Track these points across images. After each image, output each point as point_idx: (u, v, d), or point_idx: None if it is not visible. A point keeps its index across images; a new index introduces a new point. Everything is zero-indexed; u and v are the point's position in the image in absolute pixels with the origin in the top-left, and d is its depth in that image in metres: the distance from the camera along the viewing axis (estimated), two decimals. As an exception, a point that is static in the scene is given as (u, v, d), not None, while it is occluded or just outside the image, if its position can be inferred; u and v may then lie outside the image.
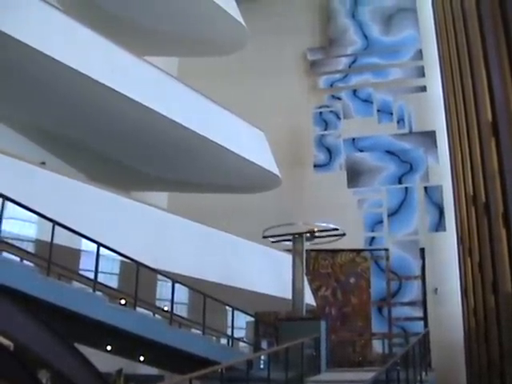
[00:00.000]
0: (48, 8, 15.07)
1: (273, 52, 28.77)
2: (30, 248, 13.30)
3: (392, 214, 24.77)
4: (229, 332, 16.58)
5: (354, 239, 22.52)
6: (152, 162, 20.98)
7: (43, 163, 14.64)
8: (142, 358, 14.53)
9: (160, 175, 21.89)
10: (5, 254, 11.35)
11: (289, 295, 16.73)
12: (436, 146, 24.84)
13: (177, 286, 14.06)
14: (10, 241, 11.89)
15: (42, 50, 13.96)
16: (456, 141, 21.35)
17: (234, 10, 22.16)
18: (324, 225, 17.75)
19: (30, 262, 12.28)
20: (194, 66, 27.51)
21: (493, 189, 13.66)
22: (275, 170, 21.66)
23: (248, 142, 21.01)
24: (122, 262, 15.03)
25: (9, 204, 10.75)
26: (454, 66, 20.43)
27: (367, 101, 27.24)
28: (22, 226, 12.81)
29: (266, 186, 22.79)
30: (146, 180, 22.22)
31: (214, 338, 17.70)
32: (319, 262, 25.21)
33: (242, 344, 18.97)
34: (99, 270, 12.12)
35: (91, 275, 12.16)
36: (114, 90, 15.74)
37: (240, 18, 22.25)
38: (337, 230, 17.82)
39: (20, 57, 14.21)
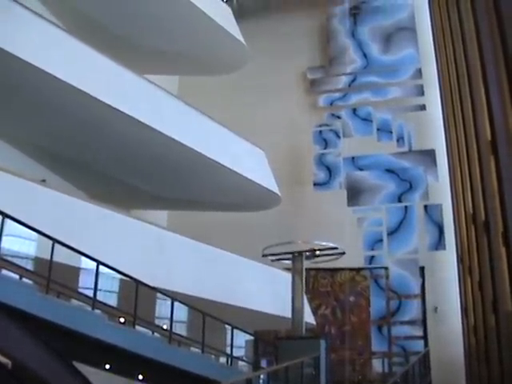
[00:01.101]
0: (48, 26, 15.20)
1: (273, 71, 28.88)
2: (30, 265, 13.28)
3: (392, 232, 24.74)
4: (228, 351, 16.50)
5: (354, 258, 22.44)
6: (152, 180, 20.99)
7: (43, 181, 14.65)
8: (140, 377, 14.43)
9: (159, 193, 21.88)
10: (4, 272, 11.33)
11: (288, 314, 16.66)
12: (436, 165, 24.85)
13: (176, 304, 14.02)
14: (9, 258, 11.88)
15: (42, 67, 14.04)
16: (455, 159, 21.39)
17: (234, 29, 22.32)
18: (324, 243, 17.71)
19: (29, 279, 12.25)
20: (194, 84, 27.64)
21: (492, 207, 13.65)
22: (275, 189, 21.68)
23: (248, 161, 21.04)
24: (121, 279, 15.00)
25: (8, 221, 10.74)
26: (453, 84, 20.51)
27: (367, 119, 27.28)
28: (21, 244, 12.79)
29: (265, 205, 22.79)
30: (146, 198, 22.22)
31: (214, 356, 17.62)
32: (319, 281, 25.18)
33: (241, 363, 18.86)
34: (98, 287, 12.09)
35: (90, 293, 12.12)
36: (114, 107, 15.80)
37: (240, 37, 22.40)
38: (336, 248, 17.78)
39: (20, 74, 14.27)
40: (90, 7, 19.72)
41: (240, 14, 26.58)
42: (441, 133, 24.19)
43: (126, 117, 16.21)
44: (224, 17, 22.41)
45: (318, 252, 17.57)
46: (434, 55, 25.66)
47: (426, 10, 27.14)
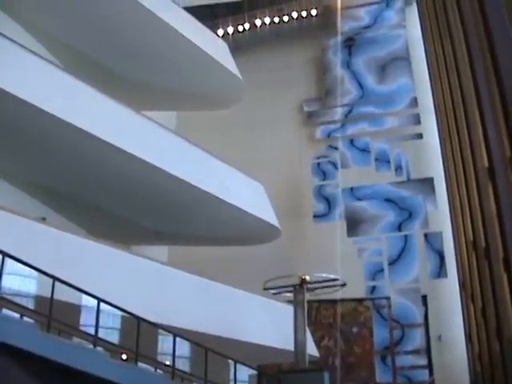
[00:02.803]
0: (47, 65, 15.37)
1: (270, 104, 29.07)
2: (30, 303, 13.24)
3: (392, 261, 24.71)
4: (232, 386, 16.40)
5: (355, 288, 22.36)
6: (151, 216, 20.99)
7: (43, 219, 14.67)
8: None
9: (159, 229, 21.87)
10: (4, 311, 11.29)
11: (291, 347, 16.55)
12: (434, 193, 24.93)
13: (178, 339, 13.95)
14: (9, 297, 11.84)
15: (40, 105, 14.15)
16: (454, 187, 21.38)
17: (230, 64, 22.52)
18: (324, 275, 17.68)
19: (30, 318, 12.20)
20: (192, 118, 27.79)
21: (492, 234, 13.64)
22: (275, 222, 21.68)
23: (247, 195, 21.08)
24: (122, 316, 14.94)
25: (9, 260, 10.73)
26: (448, 112, 20.58)
27: (364, 150, 27.41)
28: (22, 282, 12.77)
29: (265, 238, 22.75)
30: (146, 234, 22.20)
31: (217, 392, 17.50)
32: (321, 312, 25.08)
33: (245, 398, 18.76)
34: (100, 325, 12.03)
35: (92, 330, 12.06)
36: (112, 144, 15.89)
37: (237, 72, 22.58)
38: (337, 280, 17.74)
39: (19, 113, 14.37)
40: (86, 44, 19.94)
41: (235, 48, 26.82)
42: (438, 161, 24.24)
43: (125, 153, 16.29)
44: (220, 52, 22.63)
45: (318, 284, 17.54)
46: (429, 84, 25.83)
47: (420, 39, 27.36)
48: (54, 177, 17.97)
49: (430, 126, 25.70)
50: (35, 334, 10.63)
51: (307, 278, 17.06)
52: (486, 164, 12.84)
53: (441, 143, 24.18)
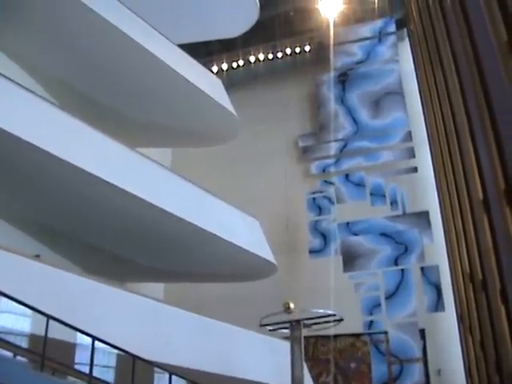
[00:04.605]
0: (41, 101, 15.38)
1: (265, 139, 29.25)
2: (24, 342, 13.09)
3: (389, 296, 24.62)
4: (229, 425, 16.20)
5: (353, 323, 22.27)
6: (147, 253, 20.90)
7: (37, 256, 14.59)
8: None
9: (155, 266, 21.75)
10: (-2, 350, 11.17)
11: (288, 383, 16.39)
12: (430, 226, 24.94)
13: (174, 377, 13.79)
14: (2, 335, 11.72)
15: (35, 142, 14.13)
16: (449, 220, 21.37)
17: (225, 101, 22.59)
18: (321, 311, 17.56)
19: (24, 357, 12.06)
20: (187, 154, 27.93)
21: (489, 266, 13.58)
22: (271, 258, 21.59)
23: (242, 231, 21.03)
24: (118, 354, 14.78)
25: (2, 298, 10.64)
26: (442, 145, 20.64)
27: (360, 184, 27.47)
28: (15, 320, 12.64)
29: (262, 274, 22.65)
30: (141, 271, 22.09)
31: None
32: (318, 348, 24.91)
33: None
34: (95, 363, 11.89)
35: (87, 369, 11.92)
36: (107, 181, 15.86)
37: (232, 109, 22.66)
38: (334, 315, 17.62)
39: (12, 150, 14.35)
40: (81, 81, 20.03)
41: (230, 85, 26.97)
42: (434, 194, 24.32)
43: (119, 190, 16.25)
44: (215, 88, 22.72)
45: (315, 320, 17.42)
46: (422, 117, 25.99)
47: (413, 73, 27.67)
48: (47, 214, 17.92)
49: (424, 159, 25.83)
50: (28, 373, 10.49)
51: (304, 313, 16.94)
52: (481, 196, 12.83)
53: (435, 176, 24.25)
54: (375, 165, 27.65)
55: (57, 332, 11.57)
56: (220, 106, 22.24)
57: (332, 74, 29.76)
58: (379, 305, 24.74)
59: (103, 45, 19.09)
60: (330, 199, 27.76)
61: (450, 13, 13.25)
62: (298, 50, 31.11)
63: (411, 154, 27.05)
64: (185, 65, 21.47)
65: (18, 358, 11.87)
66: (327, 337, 24.06)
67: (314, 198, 28.02)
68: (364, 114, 28.65)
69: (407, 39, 29.49)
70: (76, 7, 17.31)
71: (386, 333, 24.28)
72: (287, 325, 17.33)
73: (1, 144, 14.05)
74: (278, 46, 31.13)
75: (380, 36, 29.79)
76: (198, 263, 21.73)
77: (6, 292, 10.67)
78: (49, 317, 11.27)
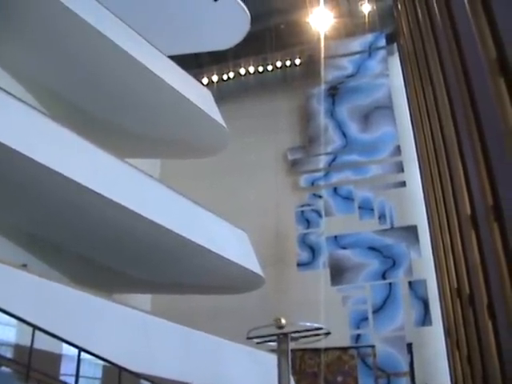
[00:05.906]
0: (31, 111, 15.34)
1: (254, 152, 29.30)
2: (9, 352, 12.99)
3: (377, 310, 24.62)
4: None
5: (340, 337, 22.23)
6: (135, 264, 20.82)
7: (24, 265, 14.50)
8: None
9: (143, 277, 21.68)
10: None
11: (276, 396, 16.35)
12: (418, 241, 24.98)
13: (161, 389, 13.74)
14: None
15: (24, 152, 14.08)
16: (437, 234, 21.41)
17: (215, 113, 22.61)
18: (308, 324, 17.52)
19: (8, 367, 11.97)
20: (176, 165, 27.92)
21: (476, 281, 13.61)
22: (258, 271, 21.56)
23: (230, 243, 21.01)
24: (104, 366, 14.70)
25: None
26: (431, 159, 20.71)
27: (348, 198, 27.51)
28: (0, 330, 12.55)
29: (249, 287, 22.61)
30: (129, 282, 22.00)
31: None
32: (305, 362, 24.85)
33: None
34: (80, 374, 11.82)
35: (72, 380, 11.84)
36: (96, 192, 15.81)
37: (221, 121, 22.67)
38: (321, 329, 17.57)
39: (1, 158, 14.28)
40: (70, 91, 19.97)
41: (220, 97, 27.03)
42: (422, 208, 24.36)
43: (108, 201, 16.21)
44: (204, 100, 22.74)
45: (303, 333, 17.37)
46: (411, 132, 26.08)
47: (402, 88, 27.75)
48: (36, 224, 17.85)
49: (413, 173, 25.89)
50: (13, 384, 10.43)
51: (291, 326, 16.90)
52: (469, 212, 12.86)
53: (424, 191, 24.31)
54: (364, 178, 27.72)
55: (43, 342, 11.50)
56: (210, 117, 22.25)
57: (322, 87, 29.85)
58: (367, 318, 24.75)
59: (93, 55, 19.09)
60: (318, 212, 27.79)
61: (439, 28, 13.33)
62: (288, 63, 31.23)
63: (400, 168, 27.14)
64: (175, 76, 21.49)
65: (3, 368, 11.77)
66: (314, 350, 24.04)
67: (302, 211, 28.05)
68: (353, 128, 28.75)
69: (397, 54, 29.62)
70: (66, 18, 17.31)
71: (373, 346, 24.27)
72: (274, 338, 17.30)
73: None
74: (268, 58, 31.22)
75: (370, 50, 29.93)
76: (186, 275, 21.68)
77: (-8, 302, 10.61)
78: (35, 327, 11.21)
